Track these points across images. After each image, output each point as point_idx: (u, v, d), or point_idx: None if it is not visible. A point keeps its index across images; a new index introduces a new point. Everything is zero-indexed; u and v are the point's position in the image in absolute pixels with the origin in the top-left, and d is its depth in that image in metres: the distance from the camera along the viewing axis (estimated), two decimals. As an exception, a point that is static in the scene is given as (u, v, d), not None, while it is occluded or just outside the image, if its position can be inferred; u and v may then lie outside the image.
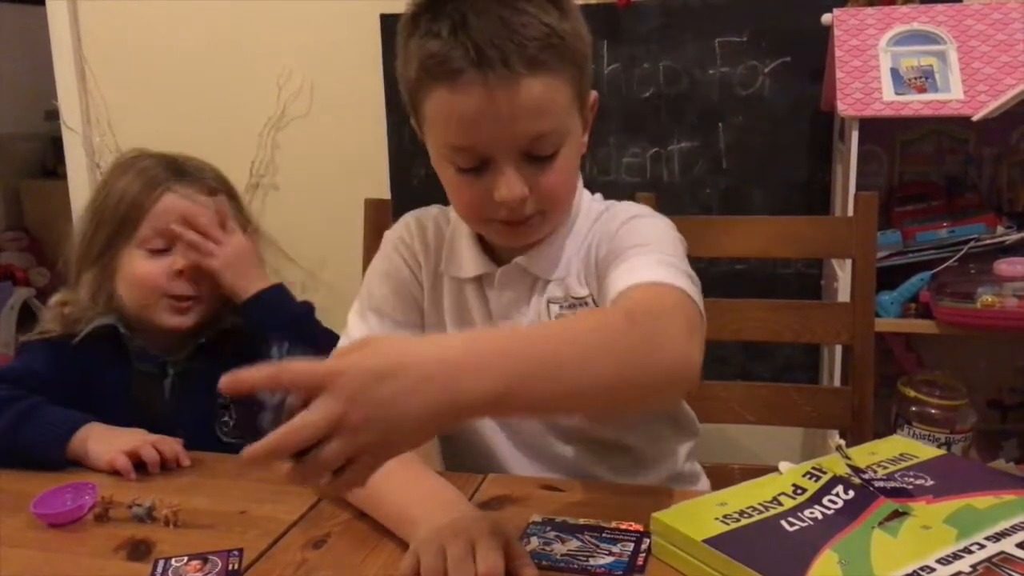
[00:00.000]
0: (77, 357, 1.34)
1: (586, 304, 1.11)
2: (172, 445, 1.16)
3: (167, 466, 1.14)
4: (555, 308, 1.12)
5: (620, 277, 0.96)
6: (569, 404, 0.86)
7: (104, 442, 1.16)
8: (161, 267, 1.36)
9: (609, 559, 0.84)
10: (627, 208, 1.14)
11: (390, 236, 1.23)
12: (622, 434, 1.17)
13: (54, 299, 1.40)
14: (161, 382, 1.40)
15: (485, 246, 1.15)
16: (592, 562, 0.84)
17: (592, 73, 1.09)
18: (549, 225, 1.09)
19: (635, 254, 0.99)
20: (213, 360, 1.34)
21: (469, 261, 1.15)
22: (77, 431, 1.17)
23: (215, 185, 1.45)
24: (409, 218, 1.23)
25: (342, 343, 1.17)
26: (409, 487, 0.93)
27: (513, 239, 1.09)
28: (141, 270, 1.36)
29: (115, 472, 1.12)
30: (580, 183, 1.15)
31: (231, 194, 1.49)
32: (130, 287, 1.37)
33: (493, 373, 0.71)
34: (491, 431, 1.17)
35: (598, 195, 1.21)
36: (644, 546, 0.87)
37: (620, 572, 0.82)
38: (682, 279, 0.94)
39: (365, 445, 0.68)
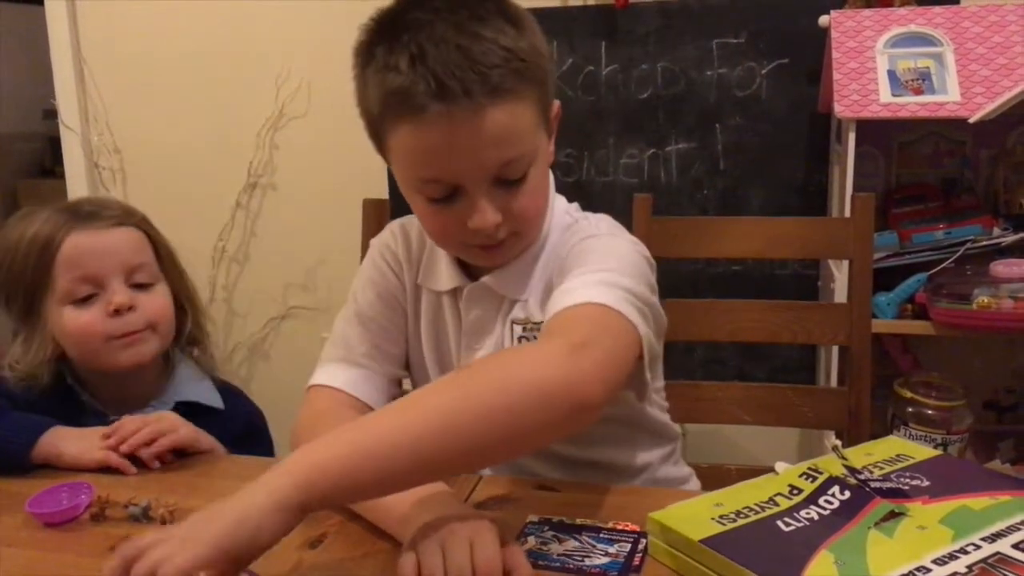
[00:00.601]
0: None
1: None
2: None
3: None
4: (518, 329, 1.11)
5: (548, 307, 0.94)
6: (444, 467, 0.82)
7: (81, 441, 1.15)
8: (95, 314, 1.26)
9: (605, 559, 0.84)
10: (591, 226, 1.12)
11: (376, 243, 1.23)
12: (588, 451, 1.16)
13: (6, 362, 1.30)
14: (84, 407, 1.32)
15: (460, 260, 1.14)
16: (588, 562, 0.84)
17: (555, 83, 1.07)
18: (522, 244, 1.09)
19: (573, 276, 0.96)
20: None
21: (444, 275, 1.15)
22: (43, 435, 1.15)
23: (120, 216, 1.31)
24: (395, 225, 1.23)
25: (328, 350, 1.16)
26: None
27: (488, 261, 1.09)
28: (74, 324, 1.26)
29: (106, 469, 1.12)
30: (551, 192, 1.14)
31: (142, 226, 1.34)
32: (71, 344, 1.27)
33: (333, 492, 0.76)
34: None
35: (574, 205, 1.19)
36: (641, 546, 0.87)
37: (616, 572, 0.82)
38: (606, 293, 0.91)
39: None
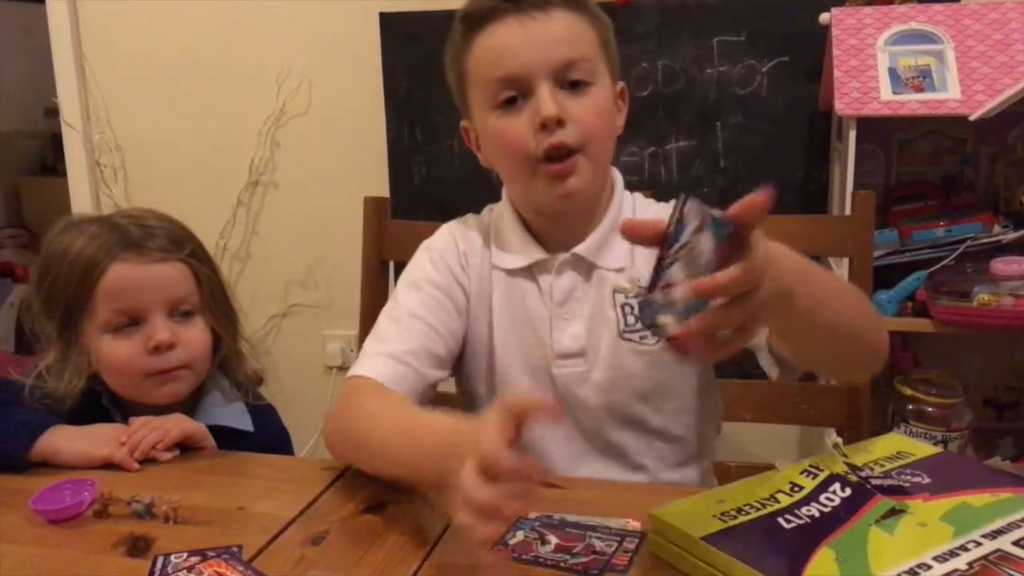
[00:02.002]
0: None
1: None
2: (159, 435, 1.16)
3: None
4: (620, 298, 1.17)
5: None
6: (818, 323, 0.93)
7: (84, 439, 1.15)
8: (134, 348, 1.23)
9: (588, 558, 0.84)
10: (652, 201, 1.26)
11: (429, 244, 1.25)
12: (670, 421, 1.20)
13: (39, 370, 1.27)
14: None
15: (534, 235, 1.19)
16: (571, 560, 0.84)
17: (617, 57, 1.18)
18: (589, 170, 1.11)
19: None
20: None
21: (521, 251, 1.19)
22: (43, 434, 1.14)
23: (167, 248, 1.27)
24: (452, 224, 1.27)
25: (370, 344, 1.16)
26: (411, 424, 0.95)
27: (562, 186, 1.11)
28: (113, 357, 1.24)
29: (109, 466, 1.12)
30: (618, 175, 1.23)
31: (194, 254, 1.31)
32: (108, 374, 1.26)
33: (791, 274, 0.84)
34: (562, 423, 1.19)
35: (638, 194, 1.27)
36: (632, 545, 0.87)
37: (596, 571, 0.82)
38: None
39: (758, 310, 0.75)
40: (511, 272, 1.20)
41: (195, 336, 1.28)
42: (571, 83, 1.09)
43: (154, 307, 1.24)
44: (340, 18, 2.54)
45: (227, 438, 1.25)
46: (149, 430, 1.16)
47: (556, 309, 1.18)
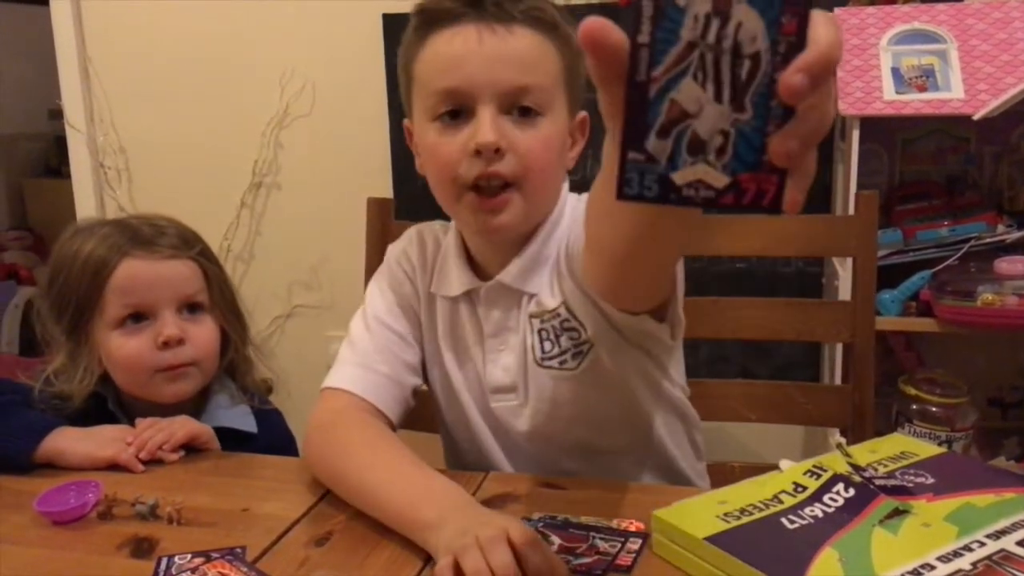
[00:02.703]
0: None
1: (558, 316, 1.08)
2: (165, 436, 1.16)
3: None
4: (536, 323, 1.10)
5: None
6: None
7: (88, 440, 1.15)
8: (143, 344, 1.23)
9: (591, 558, 0.84)
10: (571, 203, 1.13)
11: (393, 250, 1.23)
12: (616, 439, 1.16)
13: (47, 373, 1.27)
14: None
15: (472, 262, 1.14)
16: (574, 560, 0.84)
17: (582, 86, 1.08)
18: (524, 208, 1.04)
19: None
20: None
21: (456, 278, 1.14)
22: (47, 435, 1.14)
23: (177, 246, 1.28)
24: (413, 231, 1.23)
25: (344, 352, 1.16)
26: (414, 486, 0.93)
27: (490, 217, 1.03)
28: (122, 352, 1.24)
29: (115, 467, 1.12)
30: (565, 189, 1.14)
31: (203, 253, 1.32)
32: (117, 370, 1.26)
33: None
34: (490, 443, 1.18)
35: (586, 195, 1.19)
36: (635, 546, 0.87)
37: (600, 572, 0.82)
38: None
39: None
40: (450, 299, 1.16)
41: (204, 333, 1.28)
42: (520, 109, 1.01)
43: (164, 303, 1.25)
44: (343, 20, 2.54)
45: (232, 440, 1.25)
46: (156, 431, 1.16)
47: (489, 341, 1.14)
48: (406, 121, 1.14)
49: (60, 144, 3.25)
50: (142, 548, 0.92)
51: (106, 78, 2.78)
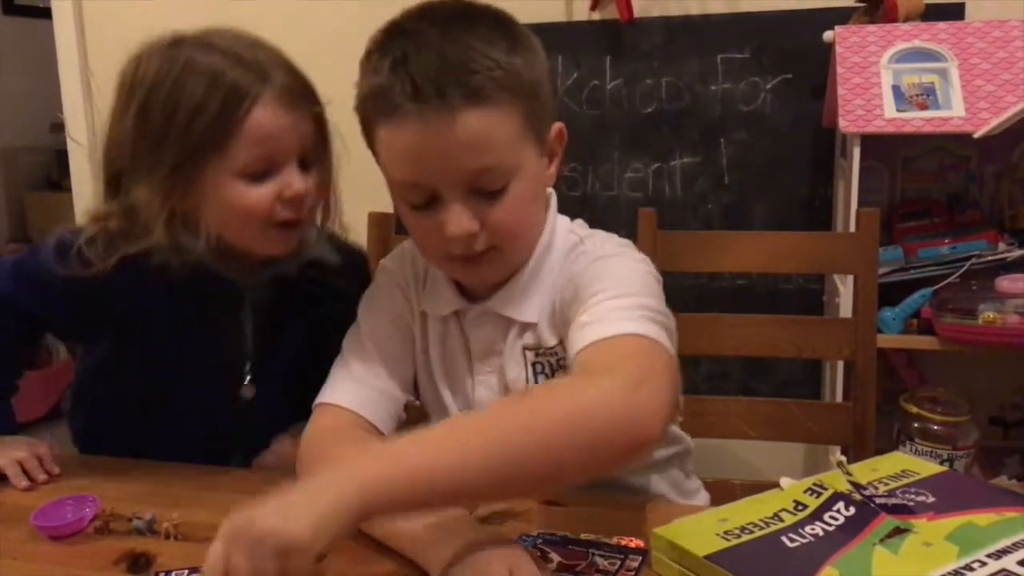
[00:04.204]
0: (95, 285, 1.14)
1: (555, 355, 1.10)
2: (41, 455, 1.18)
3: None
4: (531, 355, 1.11)
5: (577, 334, 0.94)
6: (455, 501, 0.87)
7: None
8: (268, 194, 1.14)
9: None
10: (597, 246, 1.11)
11: (384, 265, 1.23)
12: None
13: (92, 220, 1.18)
14: (237, 314, 1.25)
15: (458, 283, 1.14)
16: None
17: (554, 104, 1.07)
18: (507, 261, 1.07)
19: (595, 303, 0.96)
20: (296, 295, 1.26)
21: (444, 298, 1.14)
22: None
23: (299, 93, 1.21)
24: (405, 246, 1.23)
25: (337, 368, 1.15)
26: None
27: (472, 276, 1.09)
28: (246, 201, 1.13)
29: (114, 480, 1.13)
30: (552, 214, 1.14)
31: (320, 109, 1.26)
32: (231, 218, 1.15)
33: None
34: None
35: (578, 221, 1.19)
36: (635, 564, 0.86)
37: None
38: (641, 323, 0.91)
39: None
40: (438, 319, 1.16)
41: (312, 190, 1.22)
42: (482, 187, 0.99)
43: (289, 156, 1.17)
44: (341, 33, 2.54)
45: (316, 271, 1.26)
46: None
47: (476, 363, 1.14)
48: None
49: (61, 158, 3.25)
50: (139, 564, 0.91)
51: (108, 92, 2.77)
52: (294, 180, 1.16)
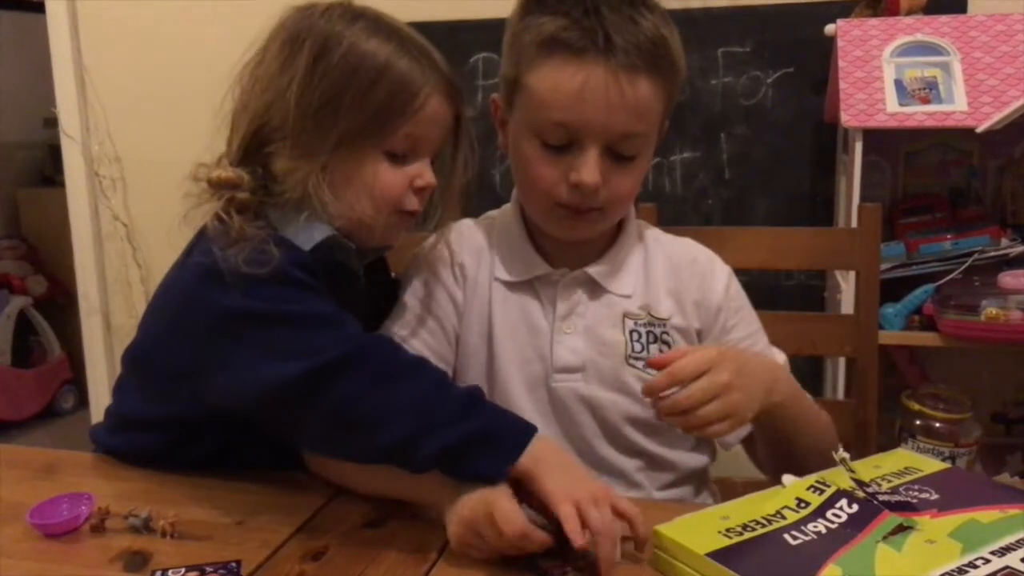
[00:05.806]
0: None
1: (664, 326, 1.18)
2: None
3: None
4: (630, 323, 1.17)
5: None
6: (792, 437, 1.13)
7: None
8: (404, 178, 1.09)
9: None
10: (720, 266, 1.31)
11: (436, 251, 1.22)
12: (661, 450, 1.19)
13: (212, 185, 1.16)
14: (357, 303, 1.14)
15: (539, 246, 1.19)
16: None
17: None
18: (605, 223, 1.15)
19: (757, 342, 1.29)
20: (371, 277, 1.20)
21: (522, 263, 1.18)
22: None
23: (456, 90, 1.14)
24: (462, 226, 1.24)
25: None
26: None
27: (571, 230, 1.13)
28: (384, 181, 1.08)
29: (107, 479, 1.11)
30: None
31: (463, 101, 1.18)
32: (366, 196, 1.09)
33: (784, 388, 1.09)
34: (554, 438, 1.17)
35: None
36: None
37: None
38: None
39: (735, 406, 0.96)
40: (512, 284, 1.19)
41: (432, 186, 1.14)
42: (620, 151, 1.06)
43: (430, 148, 1.12)
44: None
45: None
46: None
47: (558, 323, 1.17)
48: (495, 96, 1.18)
49: (55, 153, 3.24)
50: (135, 562, 0.91)
51: (102, 87, 2.78)
52: (426, 172, 1.12)
